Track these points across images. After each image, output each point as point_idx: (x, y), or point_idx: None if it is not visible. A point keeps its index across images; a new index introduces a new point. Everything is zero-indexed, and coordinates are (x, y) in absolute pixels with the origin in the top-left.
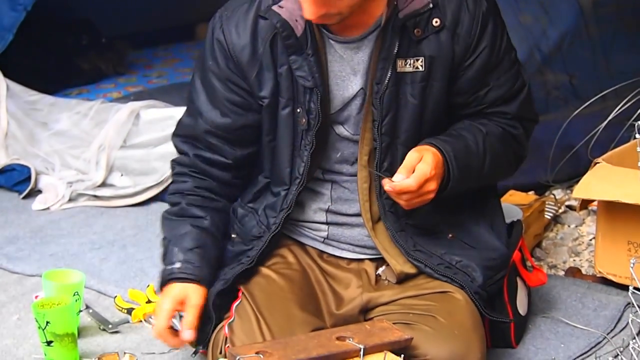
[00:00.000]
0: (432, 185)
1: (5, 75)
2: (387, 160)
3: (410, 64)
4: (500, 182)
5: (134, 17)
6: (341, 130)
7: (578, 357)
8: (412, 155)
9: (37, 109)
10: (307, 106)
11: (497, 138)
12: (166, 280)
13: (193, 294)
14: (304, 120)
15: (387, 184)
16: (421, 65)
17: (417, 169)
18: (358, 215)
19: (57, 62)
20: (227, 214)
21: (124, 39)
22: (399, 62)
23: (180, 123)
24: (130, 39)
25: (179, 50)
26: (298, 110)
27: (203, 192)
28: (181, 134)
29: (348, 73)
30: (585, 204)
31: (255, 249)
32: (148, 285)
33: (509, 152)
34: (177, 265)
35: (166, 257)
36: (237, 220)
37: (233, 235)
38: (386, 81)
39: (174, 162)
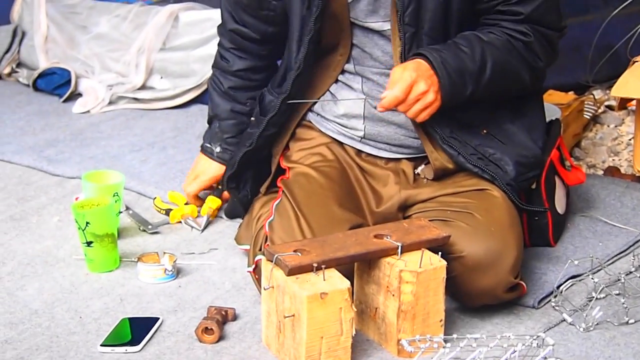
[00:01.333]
0: (422, 86)
1: None
2: (412, 51)
3: None
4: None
5: None
6: (364, 22)
7: (616, 255)
8: (395, 70)
9: (76, 13)
10: None
11: (501, 44)
12: (205, 151)
13: (217, 171)
14: (307, 4)
15: (378, 107)
16: None
17: (400, 78)
18: (393, 111)
19: None
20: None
21: None
22: None
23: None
24: None
25: None
26: None
27: (244, 75)
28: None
29: None
30: (624, 103)
31: (258, 129)
32: (155, 198)
33: (517, 60)
34: (218, 149)
35: (210, 130)
36: (259, 105)
37: (252, 118)
38: None
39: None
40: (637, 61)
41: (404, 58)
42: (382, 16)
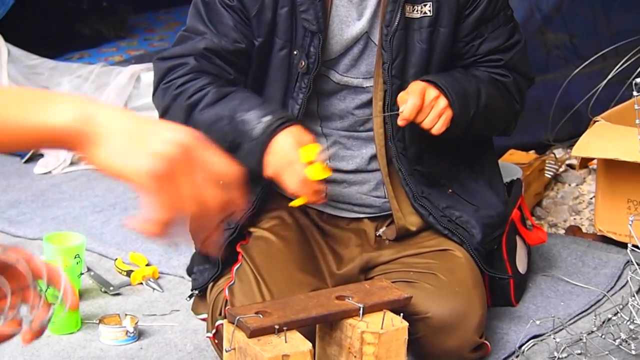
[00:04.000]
0: (433, 92)
1: (7, 40)
2: (396, 104)
3: (417, 10)
4: (499, 140)
5: None
6: (341, 77)
7: (578, 315)
8: (401, 93)
9: (38, 73)
10: (307, 50)
11: (487, 80)
12: (265, 142)
13: (302, 133)
14: (303, 63)
15: (400, 120)
16: (429, 10)
17: (410, 91)
18: (355, 172)
19: (58, 27)
20: None
21: (125, 3)
22: (407, 8)
23: (169, 49)
24: (131, 2)
25: (180, 13)
26: (295, 52)
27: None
28: (173, 55)
29: (354, 18)
30: (585, 162)
31: (254, 192)
32: (116, 259)
33: (501, 96)
34: (267, 118)
35: (243, 129)
36: None
37: None
38: (396, 23)
39: (168, 77)
40: (597, 121)
41: (389, 109)
42: (363, 72)
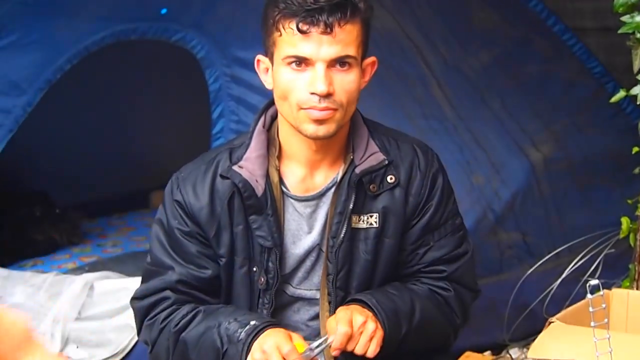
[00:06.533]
0: (359, 318)
1: None
2: (326, 332)
3: (364, 220)
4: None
5: (87, 186)
6: (294, 289)
7: None
8: (329, 319)
9: None
10: (265, 265)
11: (424, 294)
12: (249, 344)
13: (284, 334)
14: (262, 279)
15: (332, 350)
16: (375, 222)
17: (338, 319)
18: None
19: (10, 234)
20: None
21: (78, 209)
22: (354, 218)
23: (142, 287)
24: (84, 208)
25: (133, 218)
26: (254, 269)
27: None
28: (149, 293)
29: (305, 231)
30: None
31: None
32: None
33: (439, 311)
34: (252, 322)
35: (229, 335)
36: None
37: None
38: (342, 235)
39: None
40: (552, 322)
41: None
42: (316, 284)
